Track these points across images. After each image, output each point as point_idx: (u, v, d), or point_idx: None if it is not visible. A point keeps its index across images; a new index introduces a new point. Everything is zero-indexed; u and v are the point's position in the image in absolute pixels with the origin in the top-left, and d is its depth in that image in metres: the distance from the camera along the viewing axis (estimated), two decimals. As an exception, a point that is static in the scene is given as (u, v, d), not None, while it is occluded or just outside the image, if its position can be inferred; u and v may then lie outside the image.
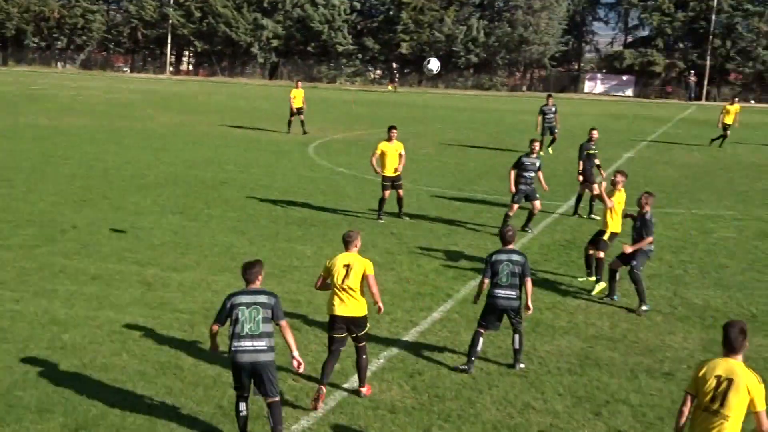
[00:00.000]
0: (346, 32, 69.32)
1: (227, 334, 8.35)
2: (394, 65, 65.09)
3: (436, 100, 54.35)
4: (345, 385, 9.77)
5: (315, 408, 9.22)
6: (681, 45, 68.19)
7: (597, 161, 19.06)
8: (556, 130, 29.21)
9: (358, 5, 70.56)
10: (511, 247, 10.69)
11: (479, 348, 10.33)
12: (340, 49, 69.17)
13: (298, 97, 32.62)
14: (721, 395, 6.46)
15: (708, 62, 64.59)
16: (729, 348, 6.57)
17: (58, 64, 79.87)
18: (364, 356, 9.59)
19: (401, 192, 18.17)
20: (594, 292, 13.38)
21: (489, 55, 67.59)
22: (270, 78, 72.11)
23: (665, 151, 31.56)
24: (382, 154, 17.88)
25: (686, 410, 6.73)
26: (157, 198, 19.47)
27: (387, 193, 17.90)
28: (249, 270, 8.58)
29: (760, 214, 19.85)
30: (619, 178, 13.75)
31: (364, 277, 9.62)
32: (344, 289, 9.53)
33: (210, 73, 74.10)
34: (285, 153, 27.39)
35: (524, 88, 70.29)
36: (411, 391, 9.67)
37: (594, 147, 19.15)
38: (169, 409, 9.08)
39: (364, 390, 9.61)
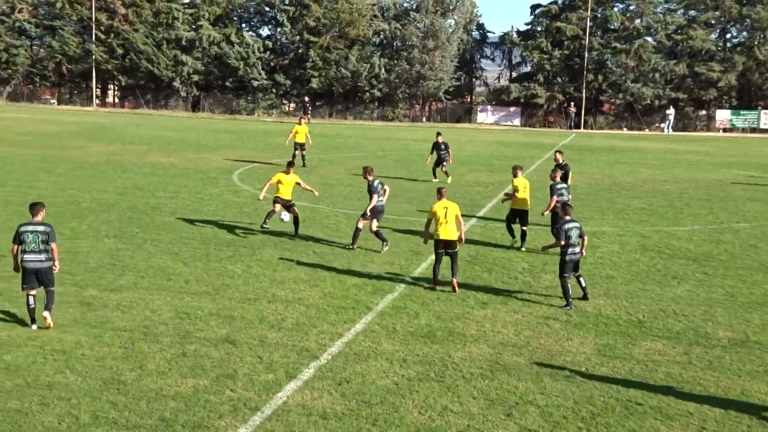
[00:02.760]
0: (261, 68, 68.93)
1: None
2: (306, 99, 65.01)
3: (346, 130, 54.51)
4: (279, 395, 9.66)
5: (434, 289, 14.32)
6: (559, 79, 70.21)
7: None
8: (446, 162, 28.89)
9: (270, 44, 70.37)
10: (570, 217, 13.90)
11: (570, 290, 13.51)
12: (256, 84, 68.67)
13: (300, 132, 31.91)
14: None
15: (584, 94, 66.73)
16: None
17: (-16, 97, 76.77)
18: (456, 263, 14.49)
19: (296, 210, 18.61)
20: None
21: (391, 90, 68.24)
22: (193, 110, 70.95)
23: (551, 174, 32.33)
24: (279, 182, 18.47)
25: None
26: (93, 223, 18.92)
27: (278, 206, 18.34)
28: (34, 208, 11.84)
29: (638, 230, 20.55)
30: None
31: (455, 216, 14.59)
32: (445, 222, 14.44)
33: (135, 105, 72.41)
34: (211, 180, 27.00)
35: (424, 119, 71.12)
36: (340, 398, 9.64)
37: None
38: (113, 423, 8.80)
39: (455, 281, 14.33)
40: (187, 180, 26.87)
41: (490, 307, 13.42)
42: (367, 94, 68.30)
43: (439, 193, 14.85)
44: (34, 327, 11.65)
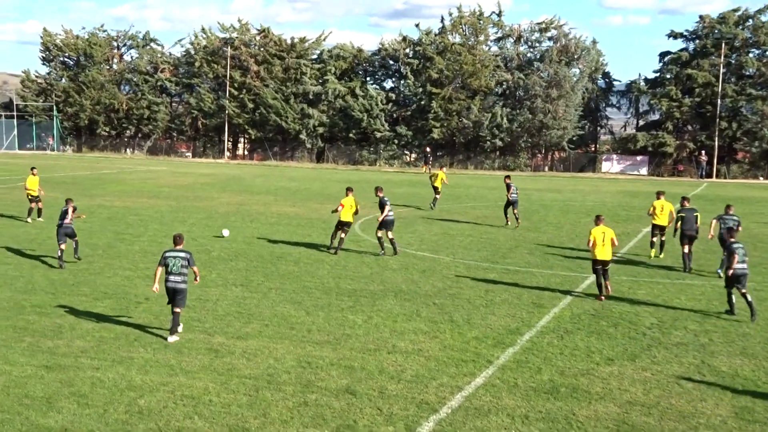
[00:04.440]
0: (383, 120, 70.17)
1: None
2: (427, 149, 65.53)
3: (467, 180, 54.47)
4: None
5: (600, 299, 17.31)
6: (690, 127, 67.90)
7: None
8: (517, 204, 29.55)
9: (393, 96, 71.59)
10: (734, 239, 16.19)
11: (735, 300, 15.91)
12: (378, 135, 69.94)
13: (439, 177, 35.50)
14: None
15: (716, 142, 64.23)
16: None
17: (127, 150, 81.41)
18: (608, 275, 17.51)
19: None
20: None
21: (513, 139, 67.82)
22: (317, 161, 72.91)
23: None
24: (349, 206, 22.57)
25: None
26: (221, 271, 19.61)
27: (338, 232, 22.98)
28: (177, 238, 14.20)
29: (775, 285, 19.45)
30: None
31: (611, 239, 17.33)
32: (602, 245, 17.18)
33: (264, 157, 75.10)
34: (333, 229, 27.42)
35: (546, 168, 70.26)
36: (461, 453, 9.46)
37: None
38: (238, 470, 8.96)
39: (607, 283, 17.48)
40: (311, 230, 27.47)
41: (616, 364, 12.94)
42: (489, 143, 68.22)
43: (598, 219, 17.63)
44: (171, 339, 13.62)
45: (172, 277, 13.86)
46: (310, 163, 72.00)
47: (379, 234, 22.48)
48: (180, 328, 14.04)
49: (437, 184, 35.42)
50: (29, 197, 29.34)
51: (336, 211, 23.09)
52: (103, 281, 18.35)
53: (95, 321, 14.89)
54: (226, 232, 25.12)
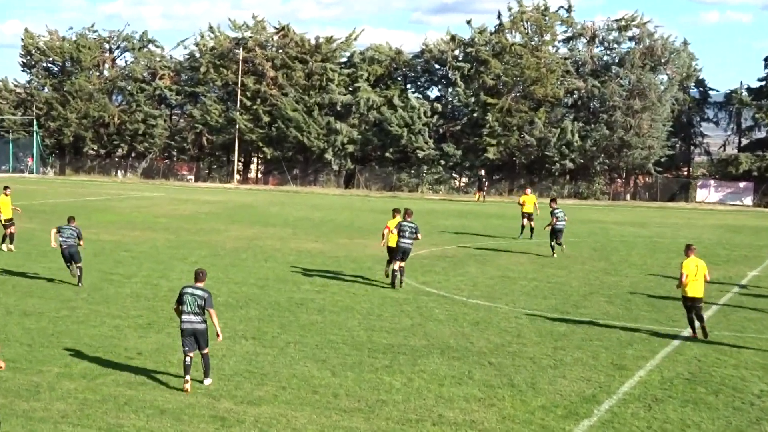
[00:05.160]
0: (427, 136, 70.41)
1: None
2: (481, 172, 65.53)
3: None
4: None
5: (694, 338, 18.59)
6: (806, 147, 67.23)
7: None
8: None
9: (439, 107, 71.79)
10: None
11: None
12: (421, 154, 70.12)
13: (529, 202, 36.47)
14: None
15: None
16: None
17: (118, 173, 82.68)
18: (701, 314, 18.63)
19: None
20: None
21: (586, 160, 67.55)
22: (346, 186, 73.29)
23: (796, 268, 30.73)
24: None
25: None
26: (229, 321, 19.66)
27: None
28: (199, 273, 15.11)
29: None
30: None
31: (704, 274, 18.47)
32: (695, 279, 18.20)
33: (281, 181, 75.72)
34: (366, 271, 27.51)
35: (627, 196, 69.82)
36: None
37: None
38: None
39: (702, 325, 18.69)
40: (338, 270, 27.50)
41: (717, 442, 12.70)
42: (557, 165, 68.04)
43: (688, 249, 18.67)
44: (187, 386, 14.35)
45: (188, 317, 14.68)
46: (336, 188, 72.41)
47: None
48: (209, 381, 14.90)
49: (528, 209, 36.46)
50: (2, 222, 30.18)
51: (383, 237, 25.44)
52: (87, 331, 18.51)
53: (78, 380, 15.00)
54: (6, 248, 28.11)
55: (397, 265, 24.56)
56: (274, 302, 22.09)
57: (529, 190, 39.11)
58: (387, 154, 71.99)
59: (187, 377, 14.50)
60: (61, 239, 23.81)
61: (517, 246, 34.50)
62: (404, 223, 24.71)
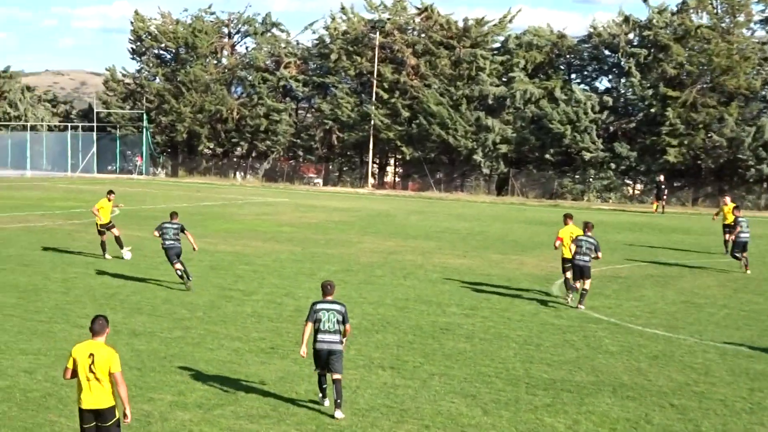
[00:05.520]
0: (595, 135, 69.59)
1: None
2: (660, 178, 64.18)
3: (718, 224, 52.87)
4: None
5: None
6: None
7: None
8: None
9: (609, 101, 70.87)
10: None
11: None
12: (587, 156, 69.33)
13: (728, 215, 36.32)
14: None
15: None
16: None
17: (237, 174, 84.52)
18: None
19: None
20: None
21: (789, 165, 65.75)
22: (498, 193, 73.10)
23: None
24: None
25: None
26: (363, 347, 19.84)
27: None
28: (327, 287, 15.73)
29: None
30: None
31: None
32: None
33: (422, 186, 76.10)
34: (522, 292, 27.34)
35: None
36: None
37: None
38: None
39: None
40: (489, 291, 27.42)
41: None
42: (752, 170, 66.14)
43: None
44: (326, 403, 15.48)
45: (325, 336, 15.25)
46: (487, 195, 72.31)
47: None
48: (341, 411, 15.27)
49: (730, 221, 35.99)
50: (99, 228, 32.15)
51: (555, 248, 26.45)
52: (203, 355, 18.96)
53: (193, 410, 15.36)
54: (127, 255, 30.92)
55: (579, 284, 25.05)
56: (415, 326, 22.16)
57: (728, 198, 38.70)
58: (546, 156, 71.49)
59: (325, 395, 15.65)
60: (166, 244, 26.44)
61: (705, 267, 33.66)
62: (582, 238, 24.97)
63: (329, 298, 15.54)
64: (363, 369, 18.06)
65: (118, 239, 31.99)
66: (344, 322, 15.35)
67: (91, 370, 11.55)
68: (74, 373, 11.70)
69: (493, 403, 16.20)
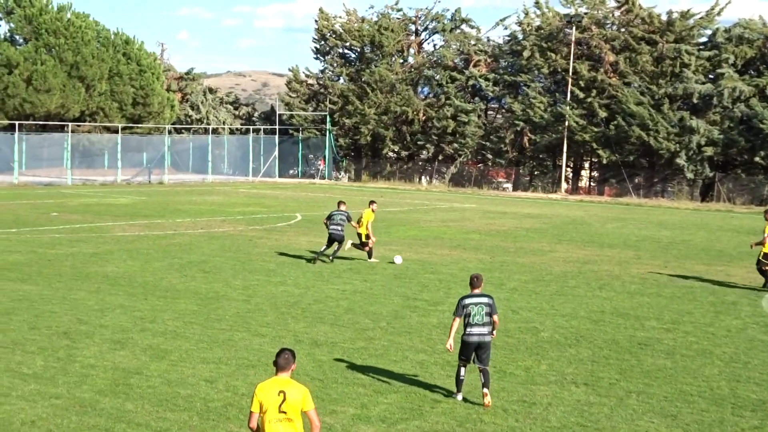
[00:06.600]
0: (813, 136, 67.39)
1: None
2: None
3: None
4: None
5: None
6: None
7: None
8: None
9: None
10: None
11: None
12: (804, 160, 67.24)
13: None
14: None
15: None
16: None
17: (422, 179, 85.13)
18: None
19: None
20: None
21: None
22: (702, 199, 71.51)
23: None
24: None
25: None
26: (554, 362, 19.75)
27: None
28: (475, 279, 16.89)
29: None
30: None
31: None
32: None
33: (619, 192, 75.15)
34: (729, 306, 26.71)
35: None
36: None
37: None
38: None
39: None
40: (692, 304, 26.93)
41: None
42: None
43: None
44: (459, 397, 16.62)
45: (474, 329, 16.50)
46: (690, 201, 70.80)
47: None
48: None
49: None
50: (362, 240, 33.94)
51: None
52: (386, 367, 19.19)
53: (377, 423, 15.55)
54: (398, 259, 33.04)
55: None
56: (611, 341, 21.93)
57: None
58: (756, 159, 69.53)
59: (461, 388, 16.84)
60: (330, 229, 32.25)
61: None
62: None
63: (477, 291, 16.66)
64: (555, 385, 17.98)
65: (370, 252, 33.84)
66: (493, 313, 16.50)
67: (281, 410, 10.81)
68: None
69: (695, 424, 15.88)
